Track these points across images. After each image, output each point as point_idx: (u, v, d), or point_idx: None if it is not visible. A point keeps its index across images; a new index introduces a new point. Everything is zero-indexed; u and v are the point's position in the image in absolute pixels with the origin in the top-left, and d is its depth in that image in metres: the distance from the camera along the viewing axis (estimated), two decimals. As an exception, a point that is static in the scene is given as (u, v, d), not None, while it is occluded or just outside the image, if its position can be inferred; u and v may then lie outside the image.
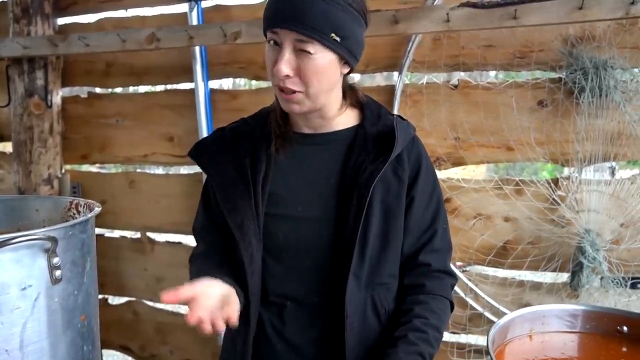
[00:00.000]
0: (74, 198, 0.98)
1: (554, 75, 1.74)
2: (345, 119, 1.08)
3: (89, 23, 2.35)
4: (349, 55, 0.97)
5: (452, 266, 1.12)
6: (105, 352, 2.55)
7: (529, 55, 1.75)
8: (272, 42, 0.95)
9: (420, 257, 1.05)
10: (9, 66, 2.32)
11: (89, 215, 0.82)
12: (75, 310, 0.81)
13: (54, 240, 0.73)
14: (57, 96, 2.37)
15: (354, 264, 0.99)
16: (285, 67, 0.92)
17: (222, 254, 1.10)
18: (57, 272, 0.75)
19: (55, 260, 0.75)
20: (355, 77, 2.09)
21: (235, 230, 1.03)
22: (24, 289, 0.72)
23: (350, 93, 1.09)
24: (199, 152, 1.13)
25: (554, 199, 1.74)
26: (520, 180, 1.79)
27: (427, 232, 1.06)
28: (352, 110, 1.10)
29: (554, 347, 0.77)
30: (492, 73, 1.80)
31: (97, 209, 0.88)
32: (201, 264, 1.09)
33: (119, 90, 2.39)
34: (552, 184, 1.75)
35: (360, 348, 1.01)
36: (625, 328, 0.76)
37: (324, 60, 0.94)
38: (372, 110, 1.10)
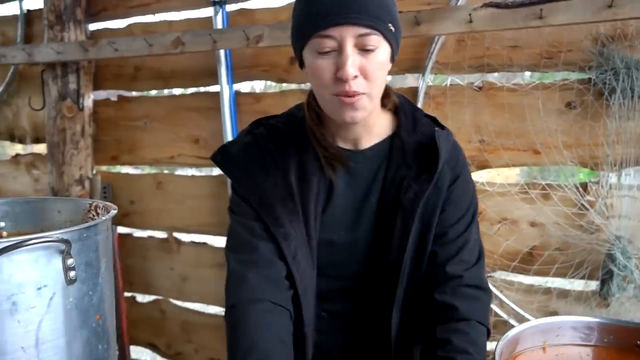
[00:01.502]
0: (93, 200, 1.00)
1: (583, 76, 1.68)
2: (381, 127, 1.03)
3: (118, 28, 2.41)
4: (397, 48, 0.92)
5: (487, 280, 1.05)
6: (133, 348, 2.61)
7: (556, 56, 1.70)
8: (323, 50, 0.86)
9: (449, 267, 1.00)
10: (44, 71, 2.41)
11: (103, 219, 0.84)
12: (90, 310, 0.83)
13: (67, 242, 0.75)
14: (89, 99, 2.44)
15: (400, 289, 0.97)
16: (353, 67, 0.84)
17: (277, 285, 0.97)
18: (72, 273, 0.78)
19: (70, 261, 0.77)
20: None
21: (289, 258, 0.95)
22: (40, 288, 0.75)
23: (387, 94, 1.03)
24: (227, 162, 1.03)
25: (582, 204, 1.68)
26: (546, 184, 1.74)
27: (459, 240, 1.01)
28: (387, 115, 1.05)
29: (570, 359, 0.75)
30: (518, 74, 1.75)
31: (113, 212, 0.90)
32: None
33: (147, 93, 2.44)
34: (580, 189, 1.70)
35: None
36: (644, 342, 0.73)
37: (385, 53, 0.88)
38: (407, 114, 1.04)
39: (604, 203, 1.65)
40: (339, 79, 0.86)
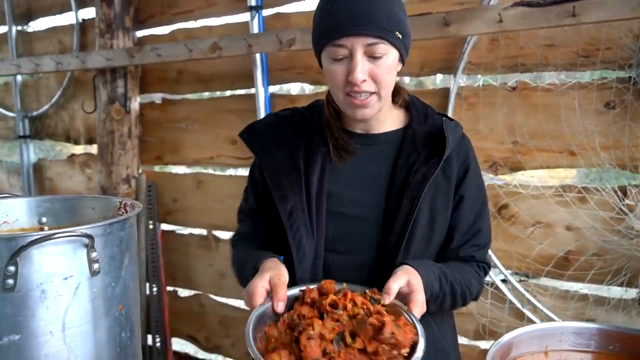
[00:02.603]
0: (123, 199, 1.07)
1: (622, 74, 1.61)
2: (394, 120, 1.10)
3: (163, 34, 2.53)
4: (405, 52, 1.00)
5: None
6: (175, 340, 2.73)
7: (594, 54, 1.64)
8: (336, 57, 0.95)
9: (463, 251, 1.08)
10: (96, 76, 2.56)
11: (125, 216, 0.90)
12: (113, 300, 0.89)
13: (90, 237, 0.82)
14: (135, 102, 2.58)
15: (399, 262, 1.00)
16: (362, 73, 0.94)
17: (266, 238, 1.14)
18: (95, 265, 0.84)
19: (94, 254, 0.83)
20: (407, 80, 2.07)
21: (284, 218, 1.05)
22: (66, 278, 0.82)
23: (397, 92, 1.10)
24: (251, 135, 1.14)
25: (620, 208, 1.61)
26: (583, 187, 1.69)
27: (472, 229, 1.08)
28: (399, 111, 1.12)
29: (573, 365, 0.74)
30: (553, 74, 1.70)
31: (138, 209, 0.97)
32: (248, 248, 1.13)
33: (188, 96, 2.55)
34: (619, 192, 1.63)
35: None
36: (653, 351, 0.71)
37: (392, 59, 0.96)
38: (419, 110, 1.11)
39: (644, 207, 1.58)
40: (350, 82, 0.96)
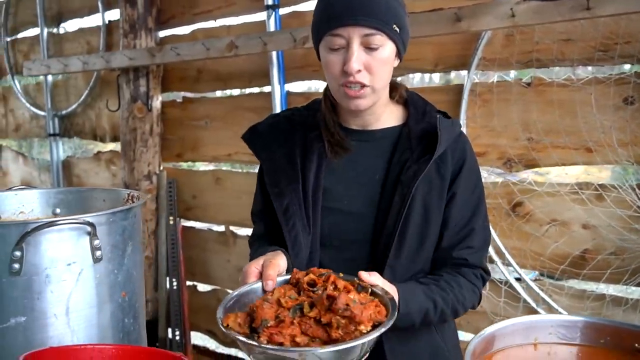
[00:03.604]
0: (130, 191, 1.11)
1: (641, 69, 1.57)
2: (391, 116, 1.10)
3: (184, 34, 2.59)
4: (403, 46, 1.01)
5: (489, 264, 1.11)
6: (194, 334, 2.78)
7: (612, 48, 1.60)
8: (333, 47, 0.97)
9: (456, 252, 1.06)
10: (119, 75, 2.64)
11: (128, 206, 0.94)
12: (116, 287, 0.93)
13: (92, 225, 0.85)
14: (157, 101, 2.65)
15: (391, 258, 1.02)
16: (357, 63, 0.95)
17: (278, 237, 1.14)
18: (98, 253, 0.88)
19: (96, 242, 0.87)
20: (425, 77, 2.06)
21: (280, 214, 1.07)
22: (69, 264, 0.86)
23: (394, 88, 1.11)
24: (253, 136, 1.17)
25: (639, 206, 1.57)
26: (599, 185, 1.65)
27: (465, 228, 1.06)
28: (397, 107, 1.12)
29: (563, 358, 0.73)
30: (569, 69, 1.67)
31: (142, 201, 1.00)
32: (261, 247, 1.15)
33: (208, 94, 2.60)
34: (637, 190, 1.59)
35: (395, 334, 1.02)
36: (643, 345, 0.70)
37: (388, 51, 0.97)
38: (417, 108, 1.11)
39: (663, 205, 1.54)
40: (346, 72, 0.97)
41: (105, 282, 0.91)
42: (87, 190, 1.19)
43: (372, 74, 0.97)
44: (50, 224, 0.82)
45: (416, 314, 0.97)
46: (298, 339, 0.75)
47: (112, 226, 0.91)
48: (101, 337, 0.92)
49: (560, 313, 1.72)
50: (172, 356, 0.78)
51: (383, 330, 0.74)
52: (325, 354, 0.71)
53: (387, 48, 0.97)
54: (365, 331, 0.74)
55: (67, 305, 0.86)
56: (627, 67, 1.61)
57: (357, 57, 0.95)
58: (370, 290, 0.83)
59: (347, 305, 0.75)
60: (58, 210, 1.18)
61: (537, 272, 1.82)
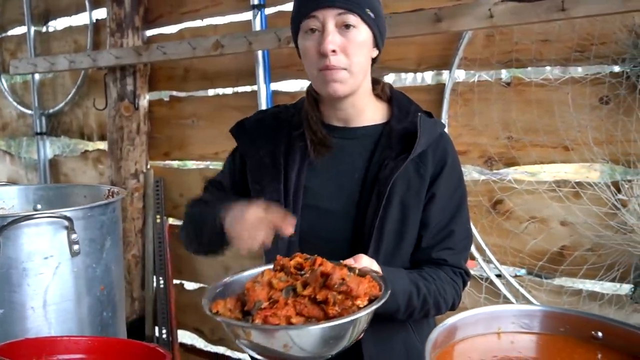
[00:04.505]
0: (111, 187, 1.13)
1: (616, 69, 1.61)
2: (374, 114, 1.11)
3: (171, 33, 2.60)
4: (379, 35, 1.03)
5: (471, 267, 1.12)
6: (181, 332, 2.79)
7: (588, 49, 1.64)
8: (309, 31, 0.99)
9: (435, 253, 1.06)
10: (107, 74, 2.65)
11: (106, 201, 0.96)
12: (94, 281, 0.95)
13: (69, 219, 0.87)
14: (144, 100, 2.65)
15: (369, 256, 1.01)
16: (332, 43, 0.96)
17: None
18: (75, 247, 0.90)
19: (74, 236, 0.89)
20: (408, 77, 2.09)
21: None
22: (46, 258, 0.87)
23: (376, 84, 1.12)
24: (240, 131, 1.18)
25: (613, 203, 1.61)
26: (576, 182, 1.68)
27: (445, 230, 1.07)
28: (381, 105, 1.13)
29: (525, 347, 0.75)
30: (547, 69, 1.70)
31: (120, 196, 1.02)
32: (224, 198, 1.11)
33: (194, 93, 2.61)
34: (612, 187, 1.62)
35: (373, 335, 1.03)
36: (600, 334, 0.72)
37: (364, 35, 0.99)
38: (401, 107, 1.11)
39: (637, 202, 1.57)
40: (322, 53, 0.97)
41: (83, 275, 0.93)
42: (67, 186, 1.21)
43: (348, 56, 0.98)
44: (27, 218, 0.84)
45: (401, 296, 0.96)
46: (294, 320, 0.72)
47: (90, 221, 0.93)
48: (79, 330, 0.93)
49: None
50: (147, 347, 0.80)
51: (382, 302, 0.73)
52: (327, 329, 0.69)
53: (362, 31, 0.98)
54: (362, 305, 0.73)
55: (44, 298, 0.88)
56: (602, 67, 1.64)
57: (332, 38, 0.96)
58: (357, 271, 0.81)
59: (343, 279, 0.74)
60: (39, 206, 1.19)
61: (525, 269, 1.84)
